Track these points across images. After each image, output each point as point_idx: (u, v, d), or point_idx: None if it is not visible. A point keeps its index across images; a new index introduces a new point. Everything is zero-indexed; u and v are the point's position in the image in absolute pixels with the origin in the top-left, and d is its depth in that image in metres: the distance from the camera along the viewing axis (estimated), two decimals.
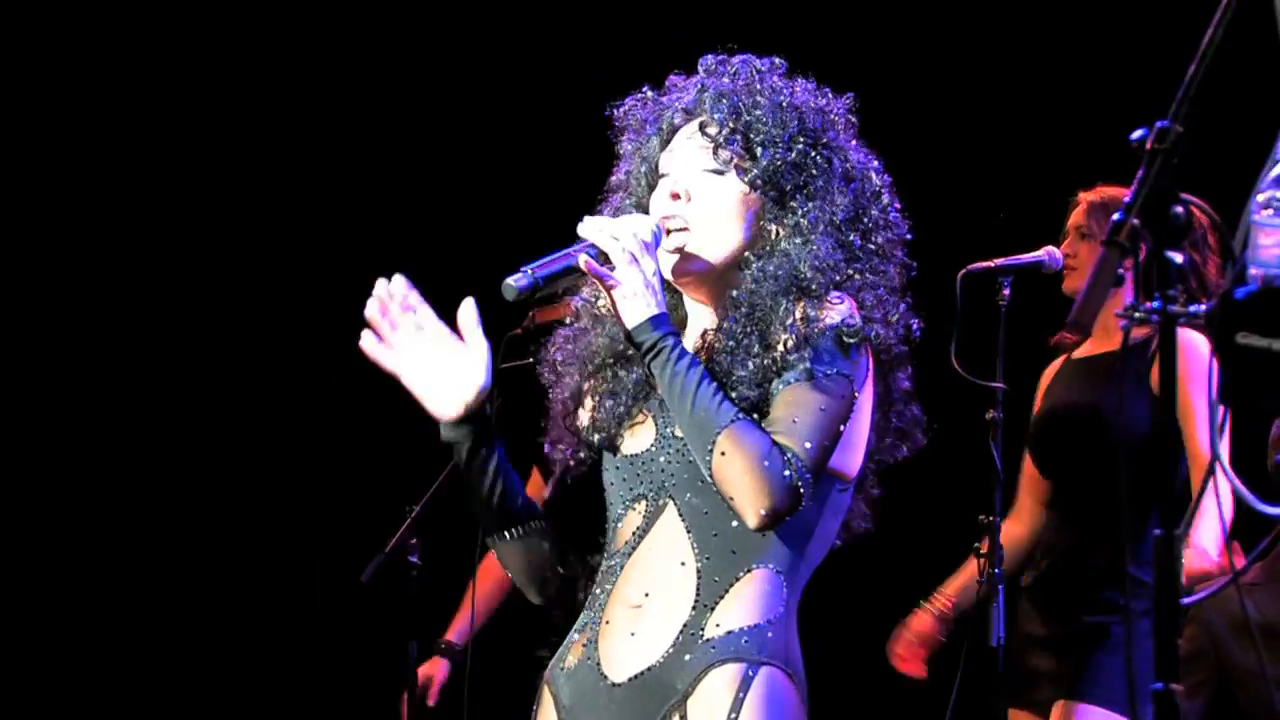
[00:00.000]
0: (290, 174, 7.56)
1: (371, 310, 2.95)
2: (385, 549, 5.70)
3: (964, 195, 6.40)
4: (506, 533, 3.02)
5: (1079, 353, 5.14)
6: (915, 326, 3.00)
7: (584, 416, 3.08)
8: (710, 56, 3.07)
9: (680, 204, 2.95)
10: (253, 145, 7.53)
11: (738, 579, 2.88)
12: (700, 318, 3.04)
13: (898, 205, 3.03)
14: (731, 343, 2.90)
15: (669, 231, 2.94)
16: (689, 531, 2.91)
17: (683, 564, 2.90)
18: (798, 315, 2.84)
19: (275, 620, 7.72)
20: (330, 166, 7.54)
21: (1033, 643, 5.06)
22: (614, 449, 3.04)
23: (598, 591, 3.02)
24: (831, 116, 3.01)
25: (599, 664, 2.93)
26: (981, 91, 6.73)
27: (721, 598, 2.87)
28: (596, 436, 3.06)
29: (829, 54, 3.52)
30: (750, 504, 2.73)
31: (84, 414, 7.60)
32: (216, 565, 7.65)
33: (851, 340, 2.81)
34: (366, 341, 2.95)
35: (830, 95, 3.04)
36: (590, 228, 2.87)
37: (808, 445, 2.74)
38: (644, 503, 2.98)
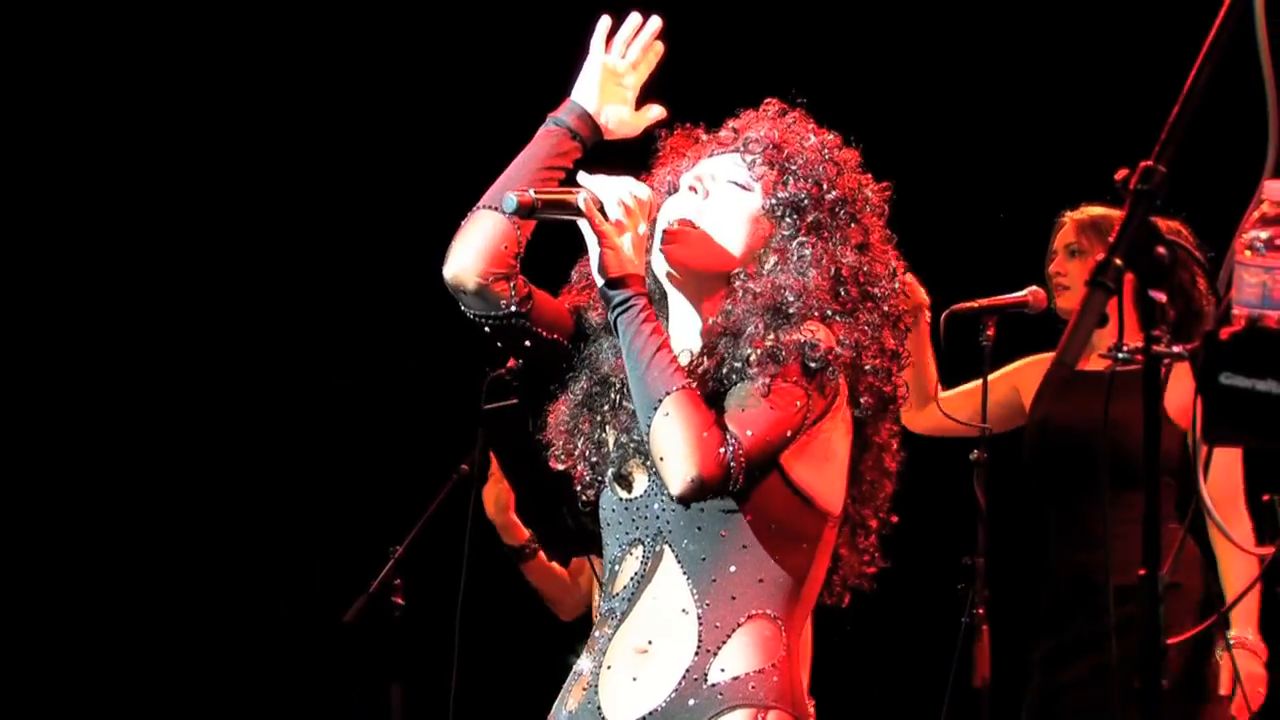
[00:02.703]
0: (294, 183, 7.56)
1: (630, 19, 3.08)
2: (369, 589, 5.69)
3: (948, 235, 6.42)
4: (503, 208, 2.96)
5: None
6: (900, 394, 3.01)
7: (587, 435, 3.08)
8: (774, 100, 3.11)
9: (695, 199, 2.98)
10: (275, 145, 7.51)
11: (739, 625, 2.87)
12: (685, 329, 3.05)
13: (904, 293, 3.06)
14: (700, 359, 2.92)
15: (676, 222, 2.97)
16: (687, 578, 2.90)
17: (684, 611, 2.90)
18: (769, 338, 2.84)
19: (258, 660, 7.69)
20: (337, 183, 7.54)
21: None
22: (610, 489, 3.04)
23: (597, 635, 3.01)
24: (866, 192, 3.02)
25: (600, 708, 2.93)
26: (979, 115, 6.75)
27: (724, 643, 2.86)
28: (592, 474, 3.06)
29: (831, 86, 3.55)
30: (679, 469, 2.72)
31: (70, 458, 7.57)
32: (200, 606, 7.62)
33: (815, 363, 2.80)
34: (602, 22, 3.06)
35: (871, 178, 3.07)
36: (591, 179, 2.91)
37: (749, 432, 2.73)
38: (641, 548, 2.97)
